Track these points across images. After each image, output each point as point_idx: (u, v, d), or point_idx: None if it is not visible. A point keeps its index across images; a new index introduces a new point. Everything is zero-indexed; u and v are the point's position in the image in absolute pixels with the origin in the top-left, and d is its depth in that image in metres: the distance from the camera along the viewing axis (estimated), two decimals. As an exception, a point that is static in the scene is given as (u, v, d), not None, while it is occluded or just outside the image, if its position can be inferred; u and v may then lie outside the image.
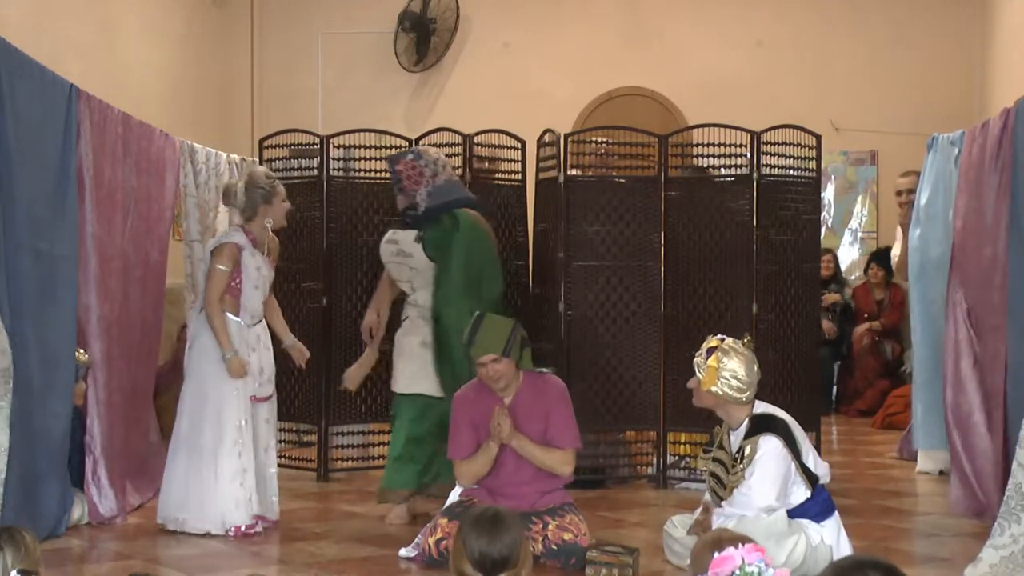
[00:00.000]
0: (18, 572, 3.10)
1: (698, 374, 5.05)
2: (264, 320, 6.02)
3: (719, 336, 5.13)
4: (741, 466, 4.95)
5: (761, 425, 5.00)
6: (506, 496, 5.29)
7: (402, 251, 6.10)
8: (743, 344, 5.08)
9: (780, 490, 4.93)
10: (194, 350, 5.85)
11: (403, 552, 5.37)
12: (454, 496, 5.45)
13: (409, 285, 6.13)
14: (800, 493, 5.00)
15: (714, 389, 4.98)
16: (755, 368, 5.04)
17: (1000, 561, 4.89)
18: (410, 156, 6.10)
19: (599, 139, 7.46)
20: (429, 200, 6.01)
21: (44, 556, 3.30)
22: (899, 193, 7.95)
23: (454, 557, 3.45)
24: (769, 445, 4.92)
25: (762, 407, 5.09)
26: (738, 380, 4.96)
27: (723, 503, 5.02)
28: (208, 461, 5.72)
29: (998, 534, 4.96)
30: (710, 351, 5.04)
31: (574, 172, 7.07)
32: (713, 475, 5.16)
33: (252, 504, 5.74)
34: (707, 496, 5.24)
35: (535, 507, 5.30)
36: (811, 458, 5.08)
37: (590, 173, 7.21)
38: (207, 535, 5.68)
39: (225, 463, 5.71)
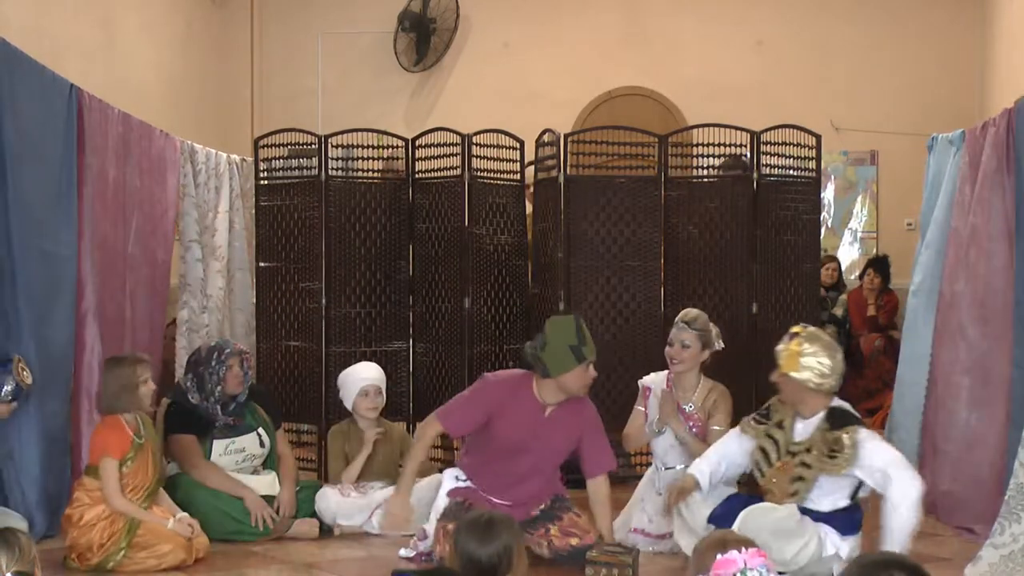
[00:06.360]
0: (13, 574, 3.09)
1: (779, 361, 4.89)
2: None
3: (802, 324, 4.97)
4: (846, 454, 4.74)
5: (846, 417, 4.85)
6: (504, 503, 5.25)
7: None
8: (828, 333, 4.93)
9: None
10: None
11: (403, 552, 5.38)
12: (442, 499, 5.35)
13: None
14: (842, 499, 4.89)
15: (793, 374, 4.82)
16: (838, 357, 4.86)
17: (1000, 560, 4.89)
18: None
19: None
20: None
21: (39, 557, 3.29)
22: None
23: (448, 560, 3.45)
24: (870, 432, 4.81)
25: (838, 402, 4.94)
26: (821, 365, 4.80)
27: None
28: None
29: (998, 533, 4.96)
30: (791, 336, 4.88)
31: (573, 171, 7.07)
32: (761, 449, 5.00)
33: None
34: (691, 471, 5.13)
35: (529, 514, 5.27)
36: None
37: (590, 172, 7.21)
38: None
39: None
